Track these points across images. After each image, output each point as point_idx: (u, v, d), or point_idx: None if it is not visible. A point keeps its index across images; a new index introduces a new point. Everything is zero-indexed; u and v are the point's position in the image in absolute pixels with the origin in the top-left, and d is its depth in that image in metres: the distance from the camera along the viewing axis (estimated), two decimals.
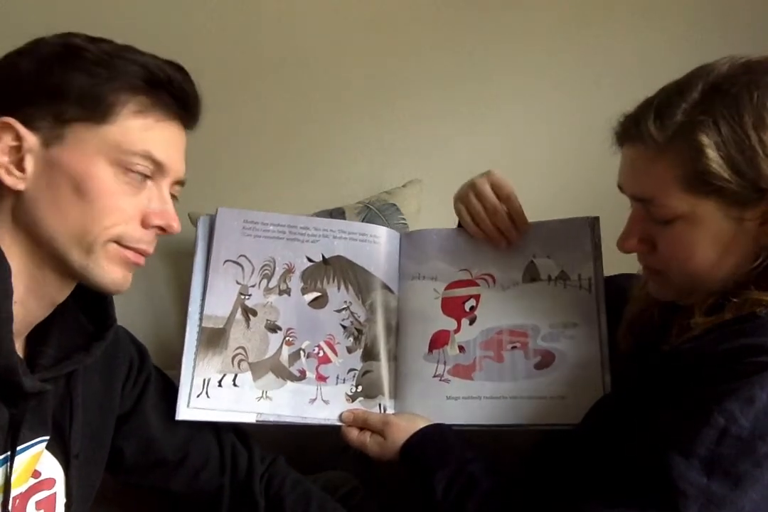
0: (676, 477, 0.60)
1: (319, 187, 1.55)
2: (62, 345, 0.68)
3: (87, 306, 0.72)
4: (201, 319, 0.86)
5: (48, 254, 0.63)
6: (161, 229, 0.67)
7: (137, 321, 1.46)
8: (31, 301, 0.64)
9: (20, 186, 0.61)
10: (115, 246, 0.64)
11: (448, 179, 1.57)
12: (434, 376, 0.89)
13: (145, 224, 0.66)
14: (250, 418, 0.85)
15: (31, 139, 0.61)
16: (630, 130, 0.72)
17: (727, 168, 0.65)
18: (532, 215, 0.95)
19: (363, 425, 0.86)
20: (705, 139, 0.65)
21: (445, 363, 0.89)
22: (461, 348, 0.90)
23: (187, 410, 0.82)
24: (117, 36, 0.67)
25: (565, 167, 1.60)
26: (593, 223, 0.90)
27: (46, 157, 0.62)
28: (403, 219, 1.40)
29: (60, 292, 0.66)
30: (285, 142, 1.56)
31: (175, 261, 1.52)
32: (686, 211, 0.69)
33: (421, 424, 0.84)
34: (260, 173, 1.53)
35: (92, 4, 1.45)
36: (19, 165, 0.61)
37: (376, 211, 1.39)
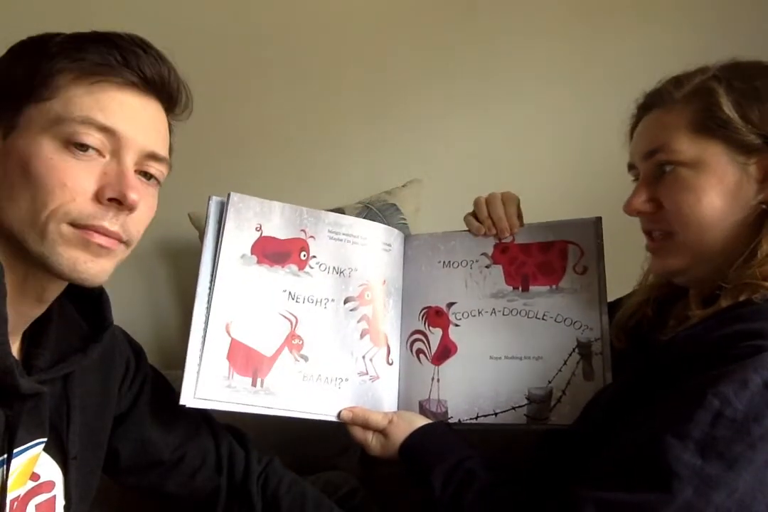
0: (671, 459, 0.60)
1: (319, 187, 1.55)
2: (58, 347, 0.68)
3: (83, 308, 0.71)
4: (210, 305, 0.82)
5: (18, 247, 0.60)
6: (118, 202, 0.61)
7: (137, 321, 1.47)
8: (17, 299, 0.62)
9: None
10: (70, 228, 0.60)
11: (448, 179, 1.58)
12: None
13: (99, 199, 0.60)
14: (257, 410, 0.83)
15: None
16: (649, 98, 0.79)
17: (735, 111, 0.70)
18: (532, 215, 0.94)
19: (364, 425, 0.86)
20: (719, 88, 0.72)
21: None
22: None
23: (193, 400, 0.79)
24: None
25: (566, 167, 1.60)
26: (597, 223, 0.90)
27: (5, 148, 0.60)
28: (403, 219, 1.39)
29: (47, 289, 0.64)
30: (285, 142, 1.56)
31: (175, 261, 1.52)
32: (693, 155, 0.73)
33: (421, 423, 0.85)
34: (260, 173, 1.53)
35: (92, 4, 1.45)
36: None
37: (376, 211, 1.38)
